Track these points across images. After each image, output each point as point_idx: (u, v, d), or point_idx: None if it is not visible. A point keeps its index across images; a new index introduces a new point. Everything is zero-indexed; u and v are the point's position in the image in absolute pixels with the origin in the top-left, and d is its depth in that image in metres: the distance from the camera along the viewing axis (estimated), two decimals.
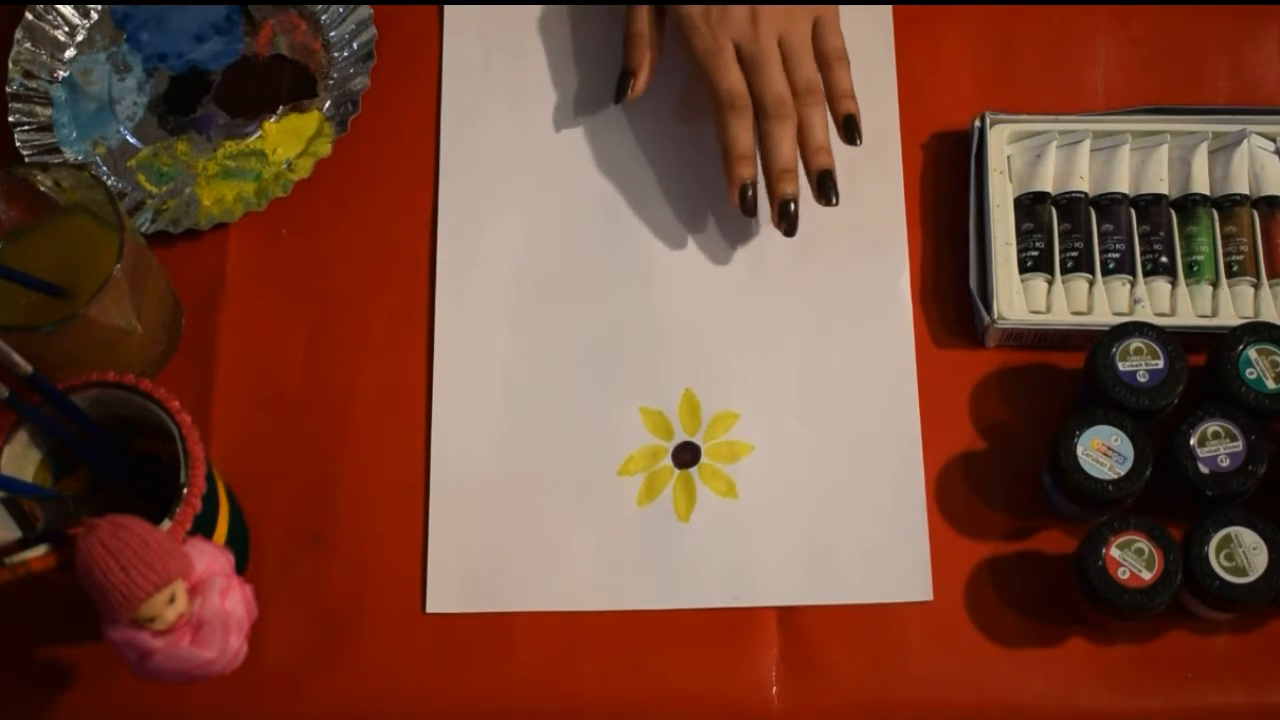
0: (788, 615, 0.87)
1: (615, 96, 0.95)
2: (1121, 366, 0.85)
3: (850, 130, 0.92)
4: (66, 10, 1.00)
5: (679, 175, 0.95)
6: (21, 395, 0.76)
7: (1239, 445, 0.84)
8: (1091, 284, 0.91)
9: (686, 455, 0.90)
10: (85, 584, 0.71)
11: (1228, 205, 0.93)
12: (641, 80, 0.94)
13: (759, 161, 0.91)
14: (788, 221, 0.91)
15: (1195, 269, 0.91)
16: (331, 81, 0.99)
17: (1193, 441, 0.84)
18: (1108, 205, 0.93)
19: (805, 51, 0.92)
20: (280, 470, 0.90)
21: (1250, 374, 0.85)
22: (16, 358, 0.74)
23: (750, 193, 0.91)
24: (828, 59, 0.92)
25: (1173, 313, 0.90)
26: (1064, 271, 0.91)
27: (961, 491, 0.89)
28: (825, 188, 0.91)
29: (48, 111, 0.98)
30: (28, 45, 0.98)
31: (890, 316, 0.93)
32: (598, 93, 0.98)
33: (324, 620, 0.87)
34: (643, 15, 0.94)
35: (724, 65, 0.91)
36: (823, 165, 0.91)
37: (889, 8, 1.00)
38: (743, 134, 0.91)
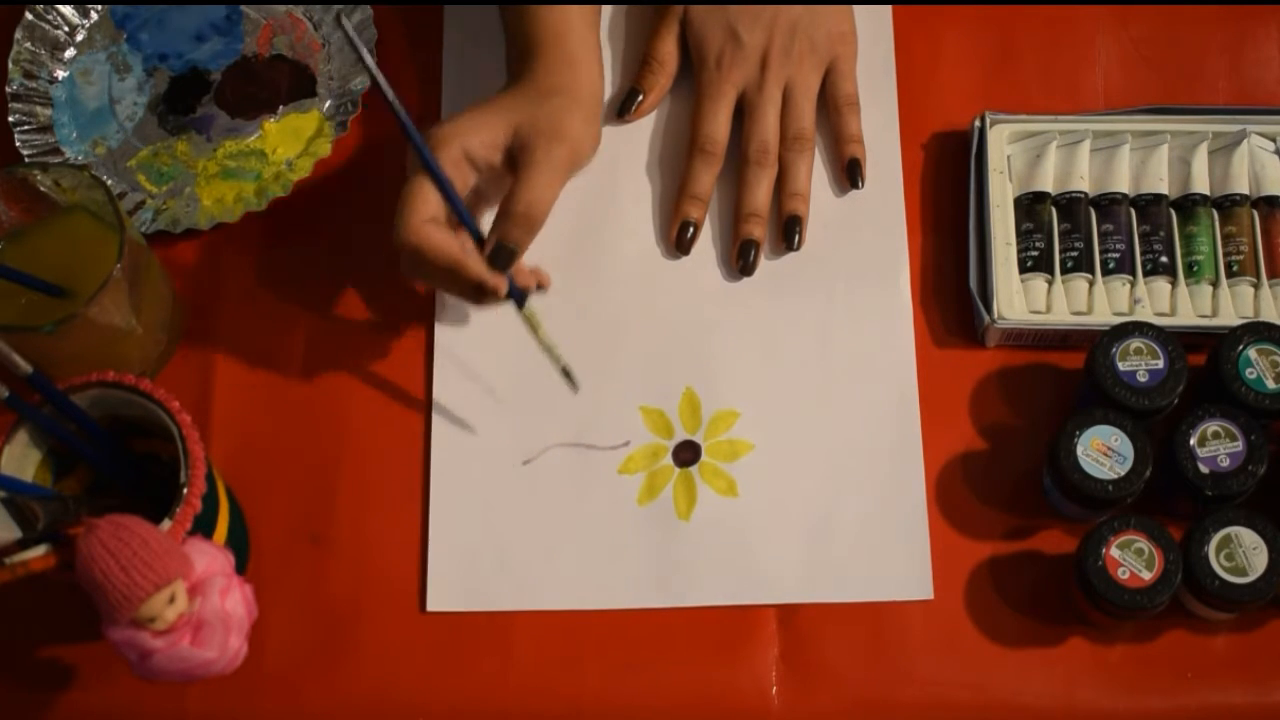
0: (788, 615, 0.87)
1: (619, 111, 0.97)
2: (1121, 366, 0.85)
3: (854, 174, 0.95)
4: (66, 10, 1.00)
5: (680, 173, 0.95)
6: (21, 395, 0.76)
7: (1239, 445, 0.84)
8: (1091, 284, 0.91)
9: (687, 454, 0.90)
10: (85, 584, 0.71)
11: (1228, 205, 0.93)
12: (648, 104, 0.97)
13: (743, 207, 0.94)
14: (744, 262, 0.93)
15: (1195, 269, 0.91)
16: (331, 81, 0.99)
17: (1193, 441, 0.84)
18: (1108, 205, 0.93)
19: (805, 99, 0.94)
20: (280, 470, 0.90)
21: (1250, 374, 0.85)
22: (16, 358, 0.74)
23: (690, 233, 0.94)
24: (838, 104, 0.95)
25: (1173, 313, 0.90)
26: (1064, 271, 0.91)
27: (961, 491, 0.89)
28: (790, 233, 0.93)
29: (48, 111, 0.98)
30: (28, 45, 0.98)
31: (890, 316, 0.93)
32: None
33: (324, 620, 0.87)
34: (668, 42, 0.96)
35: (713, 111, 0.94)
36: (794, 210, 0.93)
37: (889, 8, 1.00)
38: (703, 177, 0.94)
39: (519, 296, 0.86)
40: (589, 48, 0.90)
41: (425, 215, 0.83)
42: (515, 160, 0.86)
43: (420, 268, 0.85)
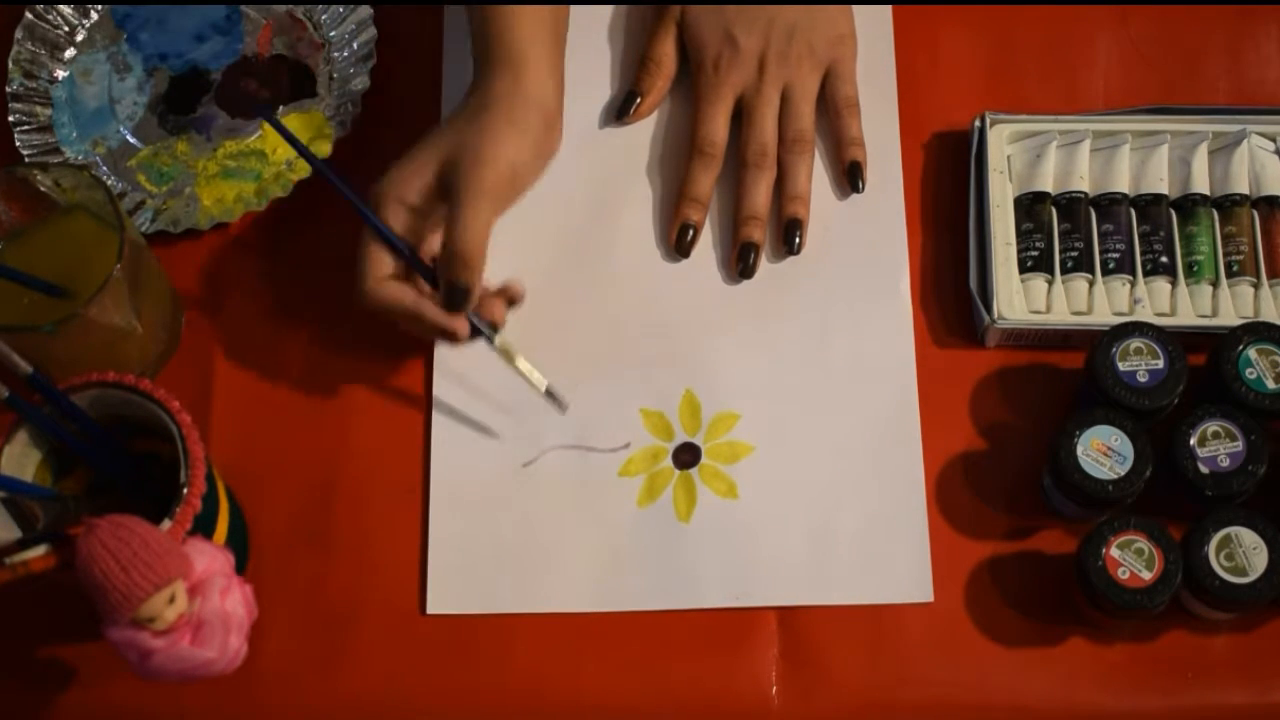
0: (788, 615, 0.87)
1: (618, 113, 0.97)
2: (1121, 366, 0.85)
3: (854, 177, 0.95)
4: (66, 10, 1.00)
5: (679, 175, 0.95)
6: (21, 395, 0.76)
7: (1239, 445, 0.84)
8: (1091, 284, 0.91)
9: (687, 456, 0.90)
10: (85, 584, 0.71)
11: (1228, 205, 0.93)
12: (647, 105, 0.97)
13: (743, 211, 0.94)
14: (744, 265, 0.93)
15: (1195, 269, 0.91)
16: (332, 81, 0.99)
17: (1193, 441, 0.84)
18: (1108, 205, 0.93)
19: (804, 102, 0.94)
20: (280, 470, 0.90)
21: (1250, 374, 0.85)
22: (16, 358, 0.74)
23: (690, 236, 0.93)
24: (837, 107, 0.95)
25: (1173, 313, 0.90)
26: (1064, 271, 0.91)
27: (961, 491, 0.89)
28: (790, 236, 0.93)
29: (48, 111, 0.98)
30: (28, 45, 0.98)
31: (890, 316, 0.93)
32: (598, 93, 0.98)
33: (324, 620, 0.87)
34: (666, 43, 0.96)
35: (712, 114, 0.94)
36: (794, 214, 0.93)
37: (889, 8, 1.00)
38: (702, 179, 0.94)
39: (487, 331, 0.86)
40: (538, 45, 0.86)
41: (380, 274, 0.84)
42: (447, 194, 0.84)
43: (389, 321, 0.86)
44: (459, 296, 0.83)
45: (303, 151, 0.83)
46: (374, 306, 0.85)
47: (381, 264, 0.84)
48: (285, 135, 0.82)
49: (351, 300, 0.85)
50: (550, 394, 0.88)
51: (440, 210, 0.85)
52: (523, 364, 0.87)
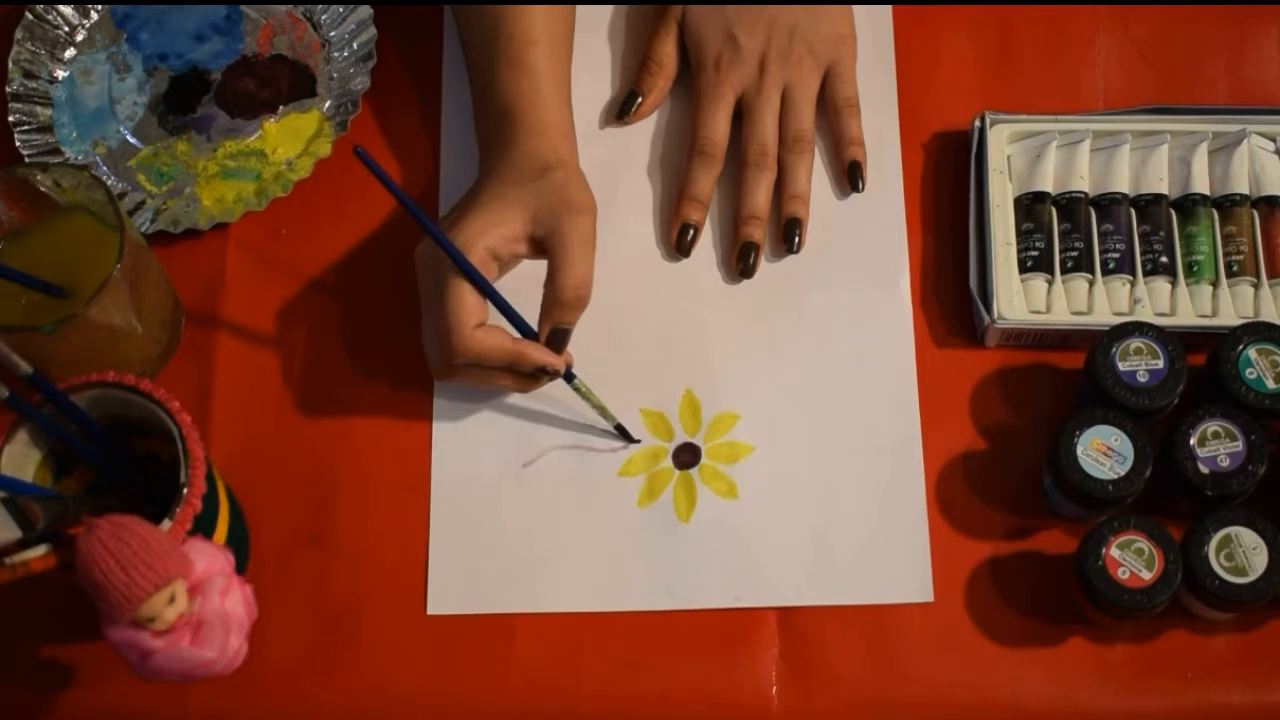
0: (788, 615, 0.87)
1: (618, 113, 0.97)
2: (1121, 366, 0.85)
3: (854, 177, 0.95)
4: (66, 10, 1.00)
5: (679, 175, 0.95)
6: (21, 395, 0.76)
7: (1239, 445, 0.84)
8: (1091, 284, 0.91)
9: (687, 456, 0.90)
10: (85, 584, 0.71)
11: (1228, 205, 0.93)
12: (648, 105, 0.97)
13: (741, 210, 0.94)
14: (744, 264, 0.93)
15: (1195, 269, 0.92)
16: (332, 81, 0.99)
17: (1193, 441, 0.84)
18: (1108, 205, 0.93)
19: (805, 102, 0.94)
20: (280, 470, 0.90)
21: (1250, 374, 0.85)
22: (16, 358, 0.74)
23: (690, 235, 0.94)
24: (837, 107, 0.95)
25: (1173, 313, 0.91)
26: (1064, 271, 0.91)
27: (961, 491, 0.89)
28: (790, 235, 0.93)
29: (48, 111, 0.98)
30: (28, 45, 0.98)
31: (890, 316, 0.93)
32: (597, 93, 0.98)
33: (324, 620, 0.87)
34: (667, 44, 0.96)
35: (712, 114, 0.94)
36: (793, 213, 0.93)
37: (889, 8, 1.00)
38: (703, 179, 0.94)
39: (567, 371, 0.87)
40: (562, 112, 0.90)
41: (473, 323, 0.84)
42: (544, 245, 0.86)
43: (475, 371, 0.86)
44: (564, 337, 0.86)
45: (407, 205, 0.83)
46: (473, 354, 0.84)
47: (472, 313, 0.84)
48: (387, 183, 0.82)
49: (442, 350, 0.85)
50: (621, 429, 0.89)
51: (516, 262, 0.88)
52: (598, 400, 0.88)
